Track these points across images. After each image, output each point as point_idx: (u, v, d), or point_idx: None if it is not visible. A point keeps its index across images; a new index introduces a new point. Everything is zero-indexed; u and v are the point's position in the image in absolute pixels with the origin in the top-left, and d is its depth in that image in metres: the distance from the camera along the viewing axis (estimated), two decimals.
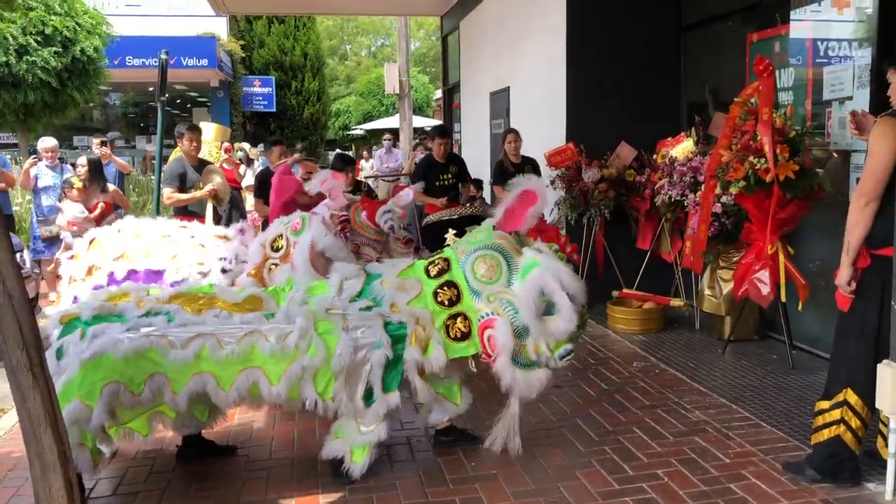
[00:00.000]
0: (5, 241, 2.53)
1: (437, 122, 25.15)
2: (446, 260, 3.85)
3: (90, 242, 4.89)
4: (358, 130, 28.72)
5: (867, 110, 4.95)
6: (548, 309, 3.69)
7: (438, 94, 29.30)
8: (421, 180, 7.00)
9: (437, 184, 7.08)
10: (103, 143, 9.26)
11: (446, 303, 3.72)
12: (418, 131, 22.23)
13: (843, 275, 3.43)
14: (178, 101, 22.39)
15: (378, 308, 3.71)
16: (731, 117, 5.47)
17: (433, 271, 3.81)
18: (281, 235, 4.72)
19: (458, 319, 3.70)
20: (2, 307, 2.50)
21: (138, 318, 3.50)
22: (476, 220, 6.19)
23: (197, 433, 4.02)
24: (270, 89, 21.54)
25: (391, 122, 24.80)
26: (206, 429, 4.01)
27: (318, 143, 23.05)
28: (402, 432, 4.34)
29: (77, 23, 11.46)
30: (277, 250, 4.68)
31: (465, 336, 3.70)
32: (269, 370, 3.47)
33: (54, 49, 10.89)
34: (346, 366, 3.48)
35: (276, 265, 4.66)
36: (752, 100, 5.41)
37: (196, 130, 6.76)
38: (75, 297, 4.51)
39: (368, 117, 28.92)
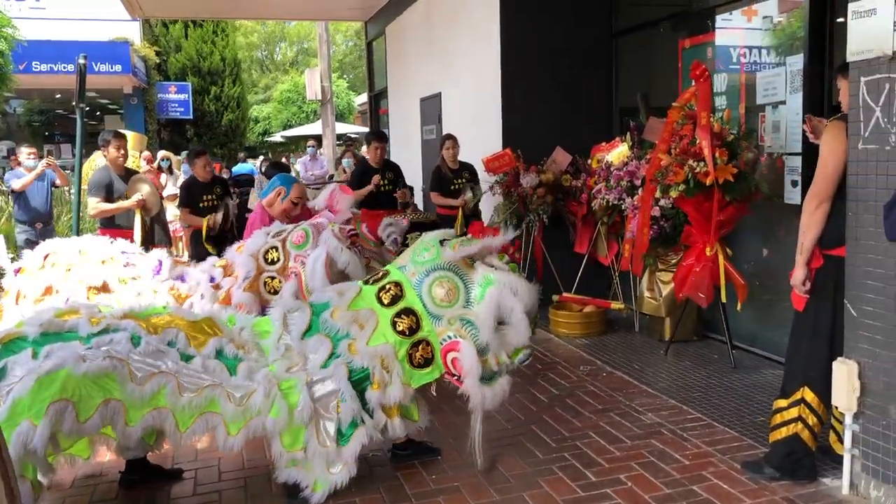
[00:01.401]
0: None
1: (360, 128, 25.02)
2: (397, 284, 3.72)
3: (44, 258, 4.56)
4: (277, 137, 28.25)
5: (800, 115, 5.13)
6: (501, 320, 3.66)
7: (359, 99, 29.18)
8: (356, 186, 6.89)
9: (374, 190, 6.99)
10: (48, 153, 8.73)
11: (407, 332, 3.62)
12: (341, 137, 22.02)
13: (798, 275, 3.49)
14: (89, 108, 21.41)
15: (337, 358, 3.57)
16: (669, 122, 5.55)
17: (386, 299, 3.68)
18: (275, 248, 4.52)
19: (420, 346, 3.63)
20: None
21: (95, 337, 3.27)
22: (420, 227, 6.14)
23: (142, 457, 3.80)
24: (187, 95, 20.91)
25: (312, 128, 24.50)
26: (153, 452, 3.80)
27: (238, 149, 22.49)
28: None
29: None
30: (273, 263, 4.49)
31: (429, 361, 3.65)
32: (229, 422, 3.33)
33: None
34: (310, 417, 3.40)
35: (274, 279, 4.48)
36: (690, 104, 5.52)
37: (122, 138, 6.48)
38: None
39: (288, 125, 28.48)
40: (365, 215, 5.49)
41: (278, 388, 3.39)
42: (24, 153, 8.04)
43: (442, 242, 3.82)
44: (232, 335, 3.62)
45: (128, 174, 6.48)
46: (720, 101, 6.01)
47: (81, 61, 7.37)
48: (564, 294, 6.86)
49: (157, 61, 20.99)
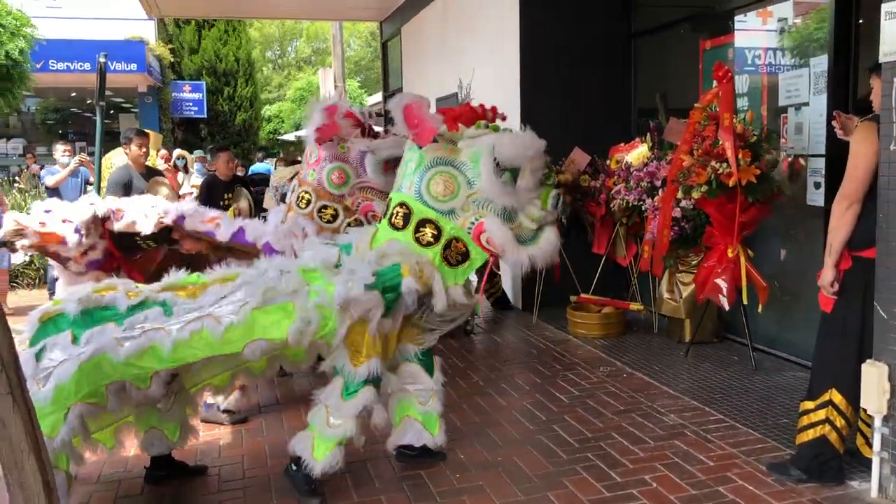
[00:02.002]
0: None
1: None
2: (402, 204, 3.64)
3: None
4: (289, 136, 28.29)
5: (824, 116, 5.11)
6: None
7: (370, 100, 29.17)
8: None
9: None
10: (81, 150, 8.77)
11: (432, 240, 3.57)
12: None
13: (827, 276, 3.47)
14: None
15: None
16: (692, 123, 5.53)
17: (399, 223, 3.62)
18: (305, 191, 4.71)
19: (452, 244, 3.58)
20: None
21: (131, 310, 3.24)
22: None
23: (167, 453, 3.81)
24: (201, 95, 20.96)
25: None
26: (177, 448, 3.81)
27: (251, 149, 22.55)
28: (380, 446, 4.20)
29: (0, 24, 10.89)
30: (308, 203, 4.71)
31: (466, 255, 3.60)
32: (270, 335, 3.26)
33: None
34: (345, 302, 3.31)
35: (328, 208, 4.77)
36: (712, 105, 5.50)
37: (144, 136, 6.51)
38: None
39: (300, 125, 28.52)
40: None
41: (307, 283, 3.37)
42: (60, 150, 8.12)
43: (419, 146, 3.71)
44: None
45: (149, 172, 6.51)
46: (742, 103, 5.99)
47: (102, 60, 7.38)
48: (583, 295, 6.85)
49: (172, 60, 21.07)
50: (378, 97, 22.72)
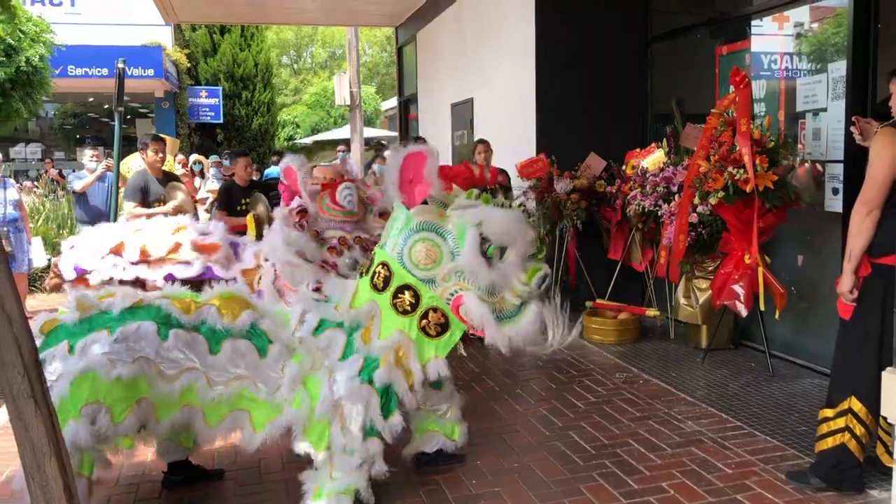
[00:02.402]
0: (2, 257, 2.35)
1: (388, 132, 25.11)
2: (384, 265, 3.51)
3: None
4: (305, 141, 28.41)
5: (842, 122, 5.08)
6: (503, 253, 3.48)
7: (386, 105, 29.28)
8: None
9: None
10: (108, 155, 8.76)
11: (409, 308, 3.43)
12: (369, 142, 22.10)
13: (846, 283, 3.45)
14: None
15: (356, 353, 3.43)
16: (708, 128, 5.53)
17: (379, 284, 3.49)
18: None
19: (430, 314, 3.43)
20: (2, 331, 2.31)
21: (123, 316, 3.29)
22: None
23: (184, 458, 3.83)
24: (218, 100, 21.08)
25: (340, 133, 24.59)
26: (192, 455, 3.83)
27: (267, 154, 22.66)
28: (392, 450, 4.20)
29: (21, 30, 10.99)
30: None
31: (446, 325, 3.45)
32: (256, 417, 3.34)
33: None
34: (330, 411, 3.31)
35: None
36: (729, 111, 5.48)
37: (161, 141, 6.55)
38: None
39: (316, 129, 28.64)
40: (326, 187, 5.34)
41: (302, 383, 3.34)
42: (87, 156, 8.21)
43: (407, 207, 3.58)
44: (265, 312, 3.56)
45: (166, 177, 6.55)
46: (759, 108, 5.97)
47: (120, 65, 7.45)
48: (598, 301, 6.84)
49: (189, 65, 21.21)
50: (393, 102, 22.79)
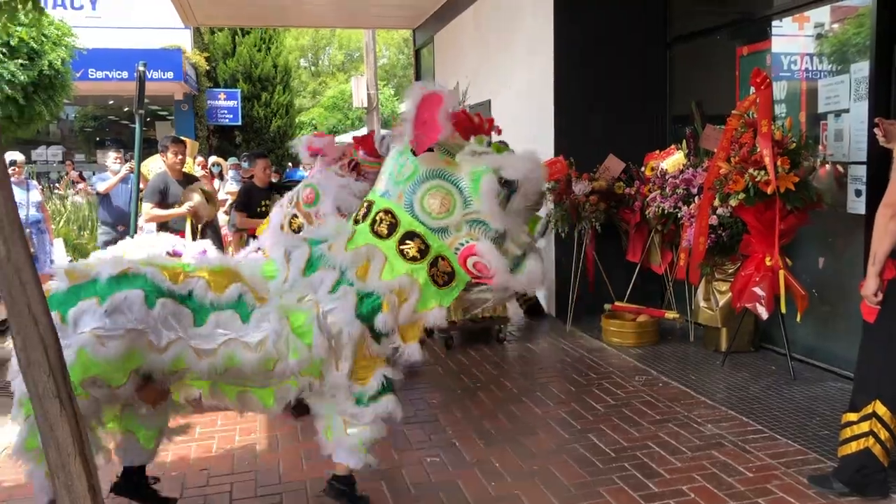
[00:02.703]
0: (29, 262, 2.37)
1: None
2: (388, 212, 3.40)
3: None
4: None
5: (865, 123, 5.03)
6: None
7: (403, 107, 29.34)
8: None
9: None
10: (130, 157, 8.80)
11: (419, 256, 3.35)
12: None
13: (870, 285, 3.42)
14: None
15: (345, 285, 3.33)
16: (729, 129, 5.50)
17: (383, 231, 3.39)
18: (295, 216, 4.66)
19: (438, 262, 3.35)
20: (28, 332, 2.34)
21: (113, 288, 3.14)
22: None
23: (140, 467, 3.61)
24: (236, 102, 21.22)
25: (357, 135, 24.65)
26: (149, 461, 3.63)
27: (285, 156, 22.76)
28: (416, 453, 4.23)
29: (43, 34, 11.10)
30: (299, 230, 4.61)
31: (452, 275, 3.38)
32: (260, 393, 3.33)
33: (20, 62, 10.52)
34: (326, 352, 3.25)
35: (297, 217, 4.74)
36: (750, 112, 5.45)
37: (180, 143, 6.61)
38: None
39: (333, 131, 28.74)
40: (357, 142, 5.40)
41: (290, 329, 3.23)
42: (111, 158, 8.29)
43: (413, 151, 3.42)
44: (255, 285, 3.42)
45: (186, 179, 6.60)
46: (780, 109, 5.93)
47: (141, 68, 7.50)
48: (617, 303, 6.81)
49: (207, 68, 21.35)
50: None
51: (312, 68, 40.60)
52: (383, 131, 4.81)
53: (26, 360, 2.37)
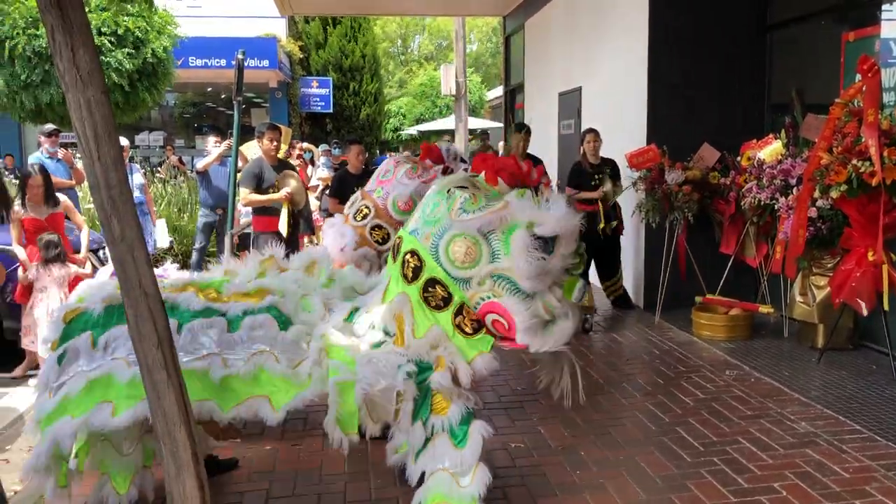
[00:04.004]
0: (141, 241, 2.51)
1: (491, 123, 25.13)
2: (413, 254, 3.25)
3: None
4: (411, 131, 28.78)
5: None
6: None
7: (490, 94, 29.30)
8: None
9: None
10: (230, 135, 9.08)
11: (441, 304, 3.17)
12: (472, 132, 22.18)
13: None
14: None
15: (390, 347, 3.21)
16: (832, 119, 5.30)
17: (409, 274, 3.24)
18: (379, 226, 4.74)
19: (463, 310, 3.16)
20: (139, 305, 2.48)
21: None
22: None
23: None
24: (328, 90, 21.65)
25: (445, 123, 24.79)
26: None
27: (374, 143, 23.12)
28: (500, 438, 4.25)
29: (148, 23, 11.57)
30: (384, 241, 4.70)
31: (481, 323, 3.18)
32: (275, 398, 3.14)
33: (127, 50, 11.00)
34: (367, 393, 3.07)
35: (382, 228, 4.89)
36: (855, 101, 5.24)
37: (276, 130, 6.78)
38: None
39: (420, 119, 28.96)
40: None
41: (328, 357, 3.14)
42: (211, 142, 8.63)
43: (448, 192, 3.29)
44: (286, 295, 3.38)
45: (281, 165, 6.78)
46: (888, 98, 5.67)
47: (240, 56, 7.72)
48: (709, 296, 6.66)
49: (301, 56, 21.83)
50: (497, 91, 22.79)
51: (401, 57, 40.96)
52: (447, 145, 4.77)
53: (137, 333, 2.51)
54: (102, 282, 3.45)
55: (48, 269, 5.69)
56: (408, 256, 3.27)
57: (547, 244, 3.05)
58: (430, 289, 3.19)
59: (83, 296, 3.31)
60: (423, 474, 3.18)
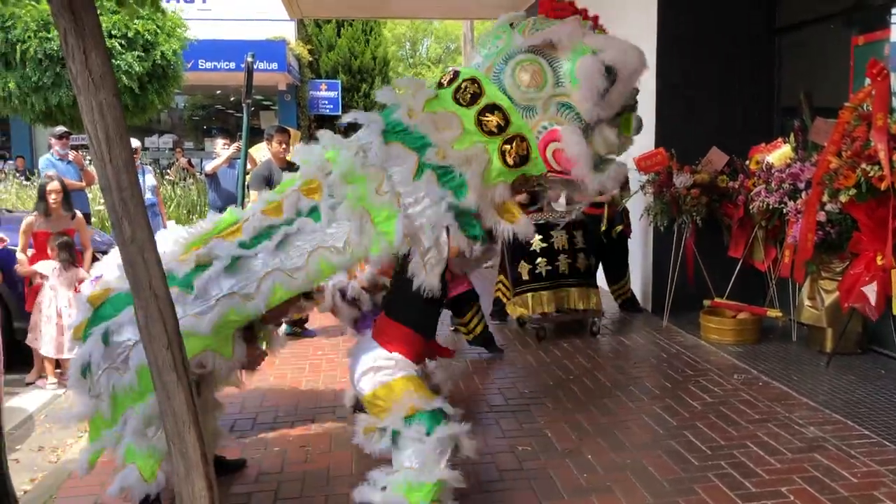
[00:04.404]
0: (152, 242, 2.53)
1: None
2: (473, 81, 3.25)
3: None
4: None
5: None
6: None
7: None
8: None
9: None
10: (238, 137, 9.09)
11: (496, 130, 3.18)
12: None
13: None
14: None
15: (427, 168, 3.14)
16: (841, 123, 5.29)
17: (464, 98, 3.23)
18: None
19: (515, 142, 3.19)
20: (149, 306, 2.50)
21: (188, 276, 3.14)
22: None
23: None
24: (336, 93, 21.72)
25: None
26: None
27: None
28: (507, 441, 4.27)
29: (158, 26, 11.64)
30: None
31: (525, 158, 3.21)
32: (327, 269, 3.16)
33: (137, 53, 11.07)
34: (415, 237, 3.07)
35: None
36: (864, 105, 5.23)
37: (285, 132, 6.82)
38: None
39: None
40: None
41: (372, 221, 3.10)
42: (220, 144, 8.66)
43: (511, 25, 3.38)
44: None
45: (290, 167, 6.80)
46: None
47: (249, 59, 7.77)
48: (717, 299, 6.65)
49: (310, 59, 21.90)
50: None
51: (410, 59, 41.02)
52: None
53: (148, 335, 2.53)
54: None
55: (60, 270, 5.74)
56: (466, 83, 3.26)
57: (611, 73, 3.08)
58: (487, 114, 3.19)
59: (108, 281, 3.34)
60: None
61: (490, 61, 3.27)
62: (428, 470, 3.06)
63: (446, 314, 6.03)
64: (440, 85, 3.39)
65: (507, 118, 3.19)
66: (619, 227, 7.13)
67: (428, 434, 3.10)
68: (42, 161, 8.20)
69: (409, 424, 3.11)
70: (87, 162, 8.61)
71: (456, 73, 3.36)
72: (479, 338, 5.96)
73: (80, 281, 5.65)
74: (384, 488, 3.09)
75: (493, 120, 3.18)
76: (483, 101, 3.21)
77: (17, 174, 14.95)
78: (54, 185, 5.99)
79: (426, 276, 3.11)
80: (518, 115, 3.20)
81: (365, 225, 3.08)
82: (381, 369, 3.26)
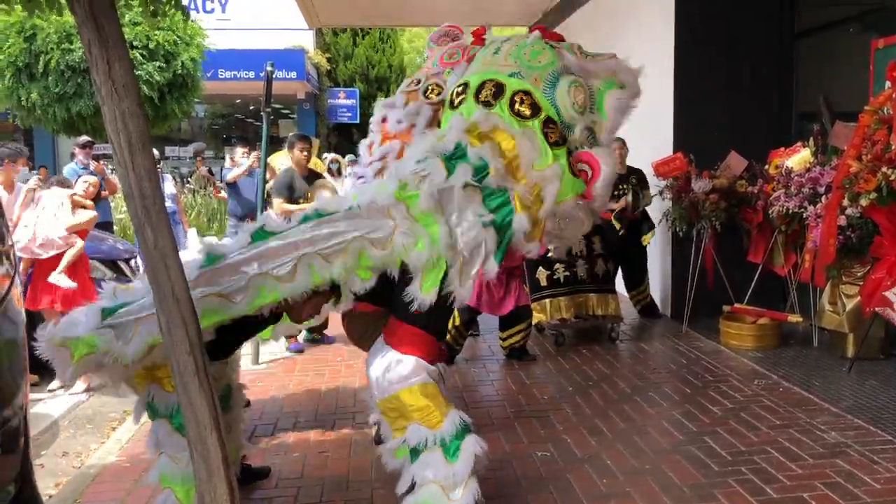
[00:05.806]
0: (174, 249, 2.56)
1: None
2: (527, 93, 3.27)
3: None
4: None
5: None
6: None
7: None
8: None
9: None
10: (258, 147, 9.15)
11: (561, 142, 3.22)
12: None
13: None
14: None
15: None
16: (861, 126, 5.26)
17: (525, 111, 3.23)
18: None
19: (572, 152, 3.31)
20: (171, 311, 2.53)
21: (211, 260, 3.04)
22: None
23: None
24: (355, 101, 21.86)
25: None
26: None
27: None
28: (526, 447, 4.27)
29: (178, 36, 11.77)
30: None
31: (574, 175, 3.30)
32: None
33: (158, 64, 11.20)
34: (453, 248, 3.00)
35: None
36: (885, 108, 5.19)
37: (307, 141, 6.87)
38: None
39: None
40: None
41: (416, 220, 3.03)
42: (239, 153, 8.73)
43: (549, 44, 3.48)
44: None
45: (311, 175, 6.86)
46: None
47: (269, 68, 7.82)
48: (737, 305, 6.62)
49: (329, 68, 22.04)
50: None
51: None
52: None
53: (170, 339, 2.56)
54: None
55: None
56: (520, 95, 3.28)
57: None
58: (550, 125, 3.26)
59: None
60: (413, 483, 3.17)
61: (535, 73, 3.31)
62: (454, 483, 3.07)
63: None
64: (452, 104, 3.49)
65: (562, 134, 3.27)
66: (650, 235, 7.12)
67: (450, 447, 3.10)
68: (66, 170, 8.31)
69: (431, 438, 3.11)
70: (110, 171, 8.72)
71: (499, 86, 3.33)
72: (515, 351, 6.06)
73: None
74: None
75: (555, 131, 3.25)
76: (543, 114, 3.28)
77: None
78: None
79: (460, 287, 3.08)
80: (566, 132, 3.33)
81: (413, 226, 3.01)
82: (395, 374, 3.20)
